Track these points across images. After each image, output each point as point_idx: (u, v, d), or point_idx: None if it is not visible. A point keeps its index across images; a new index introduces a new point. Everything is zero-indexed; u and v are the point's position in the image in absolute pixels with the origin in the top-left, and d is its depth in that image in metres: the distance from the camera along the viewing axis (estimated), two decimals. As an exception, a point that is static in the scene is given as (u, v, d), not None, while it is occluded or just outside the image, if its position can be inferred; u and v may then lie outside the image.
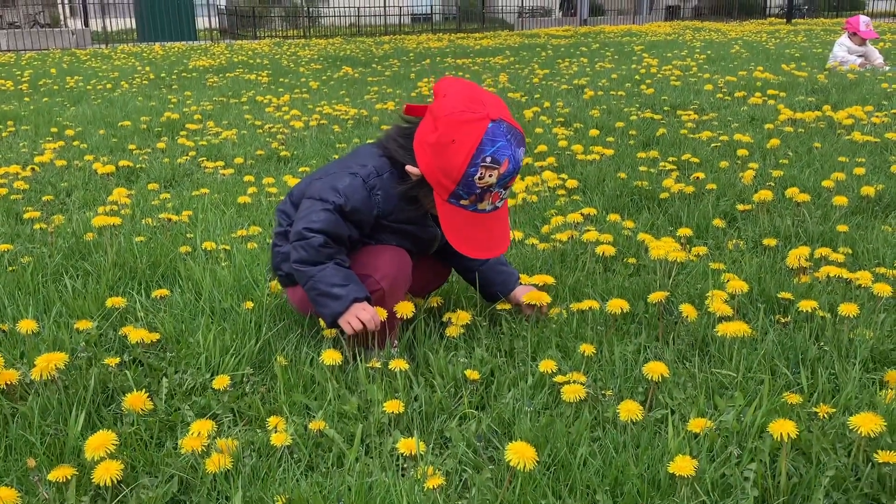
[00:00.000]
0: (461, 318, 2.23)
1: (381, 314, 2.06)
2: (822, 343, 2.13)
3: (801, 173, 4.00)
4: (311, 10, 30.60)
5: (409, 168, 2.04)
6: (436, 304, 2.40)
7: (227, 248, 3.01)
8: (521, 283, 2.38)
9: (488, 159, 1.90)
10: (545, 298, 2.30)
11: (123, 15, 27.50)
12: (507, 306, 2.35)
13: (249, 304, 2.41)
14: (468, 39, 20.37)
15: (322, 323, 2.15)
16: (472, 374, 1.96)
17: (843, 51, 8.78)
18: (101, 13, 25.44)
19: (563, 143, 4.88)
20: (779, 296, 2.38)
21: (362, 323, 2.00)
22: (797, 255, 2.60)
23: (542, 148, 4.72)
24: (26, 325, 2.12)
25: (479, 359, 2.08)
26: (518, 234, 3.12)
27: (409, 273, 2.16)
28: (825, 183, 3.57)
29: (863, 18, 8.66)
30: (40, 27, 25.40)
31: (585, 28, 26.17)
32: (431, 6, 32.85)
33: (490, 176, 1.93)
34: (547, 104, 6.81)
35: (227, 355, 2.12)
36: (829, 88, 6.97)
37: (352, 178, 2.05)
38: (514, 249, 3.00)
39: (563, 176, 4.07)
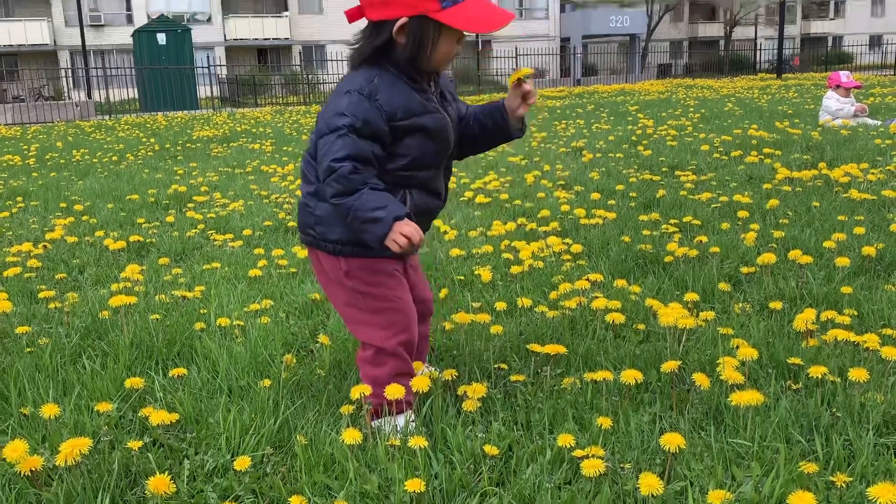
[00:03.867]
0: (477, 391, 2.25)
1: (399, 392, 2.09)
2: (834, 409, 2.15)
3: (801, 233, 4.06)
4: (310, 76, 31.20)
5: (395, 30, 2.00)
6: (450, 378, 2.43)
7: (241, 323, 3.05)
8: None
9: None
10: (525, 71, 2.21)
11: (125, 86, 28.06)
12: (522, 377, 2.38)
13: (267, 382, 2.44)
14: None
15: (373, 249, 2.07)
16: (491, 450, 1.99)
17: (833, 102, 8.97)
18: (104, 84, 25.95)
19: (565, 208, 4.96)
20: (788, 361, 2.42)
21: (407, 238, 1.97)
22: (804, 320, 2.64)
23: (545, 213, 4.79)
24: (49, 410, 2.15)
25: (497, 433, 2.10)
26: (526, 302, 3.17)
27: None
28: (826, 244, 3.63)
29: (842, 72, 9.09)
30: (44, 100, 25.88)
31: (580, 88, 26.65)
32: (428, 70, 33.52)
33: None
34: (547, 167, 6.93)
35: (248, 435, 2.15)
36: (824, 145, 7.10)
37: (348, 95, 2.04)
38: (524, 317, 3.05)
39: (568, 241, 4.14)
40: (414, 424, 2.17)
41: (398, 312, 2.18)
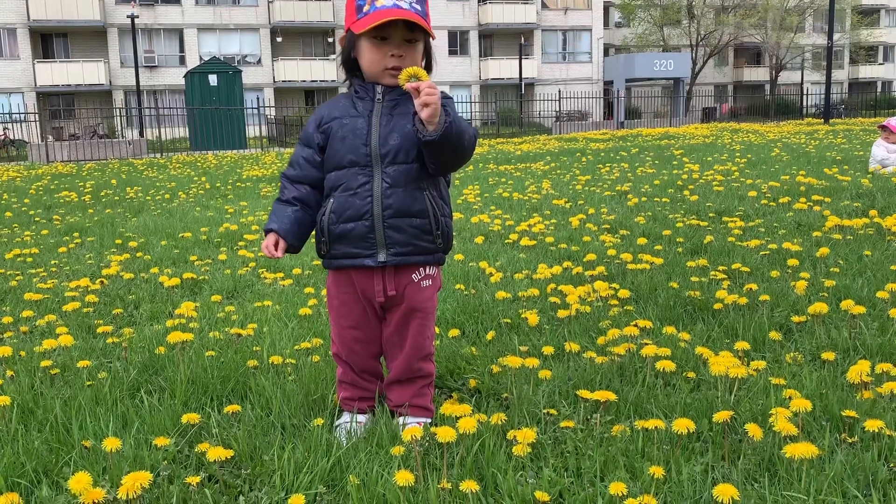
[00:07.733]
0: (527, 436, 2.27)
1: (450, 435, 2.12)
2: (892, 464, 2.12)
3: (853, 282, 4.01)
4: (355, 117, 31.64)
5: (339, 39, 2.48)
6: (499, 422, 2.45)
7: (293, 361, 3.11)
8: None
9: None
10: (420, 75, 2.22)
11: (176, 125, 28.86)
12: (571, 423, 2.39)
13: (319, 421, 2.48)
14: (508, 145, 20.87)
15: None
16: (542, 496, 1.99)
17: (881, 150, 8.88)
18: (157, 123, 26.71)
19: (611, 252, 4.97)
20: (843, 413, 2.39)
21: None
22: (858, 372, 2.60)
23: (591, 256, 4.80)
24: (111, 444, 2.21)
25: (548, 479, 2.11)
26: (575, 347, 3.17)
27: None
28: (880, 294, 3.59)
29: (892, 119, 9.02)
30: (99, 138, 26.70)
31: (623, 131, 26.66)
32: (471, 113, 33.87)
33: None
34: (591, 211, 6.95)
35: (301, 473, 2.18)
36: (875, 193, 7.01)
37: None
38: (572, 362, 3.06)
39: (615, 286, 4.14)
40: (359, 425, 2.47)
41: (334, 326, 2.53)
